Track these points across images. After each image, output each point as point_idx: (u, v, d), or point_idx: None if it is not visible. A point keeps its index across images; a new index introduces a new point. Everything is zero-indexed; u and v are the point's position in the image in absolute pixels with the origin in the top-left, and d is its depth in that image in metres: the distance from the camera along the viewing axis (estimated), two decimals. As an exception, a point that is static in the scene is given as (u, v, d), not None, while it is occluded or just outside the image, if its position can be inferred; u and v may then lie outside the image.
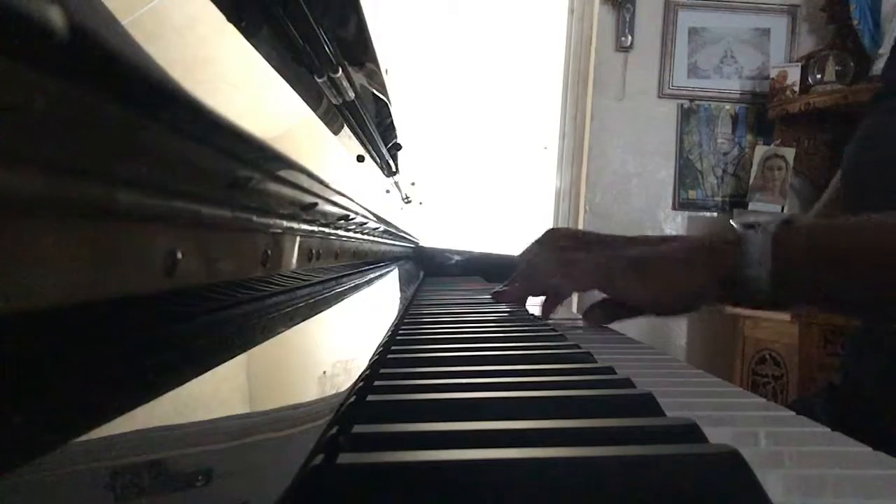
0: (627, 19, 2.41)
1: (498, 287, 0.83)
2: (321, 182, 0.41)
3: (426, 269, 1.55)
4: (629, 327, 0.63)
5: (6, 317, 0.13)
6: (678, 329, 2.43)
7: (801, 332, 1.83)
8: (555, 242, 0.70)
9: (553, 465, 0.21)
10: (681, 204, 2.46)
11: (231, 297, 0.31)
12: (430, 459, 0.21)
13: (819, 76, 2.21)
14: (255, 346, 0.29)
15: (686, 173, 2.46)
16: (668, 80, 2.44)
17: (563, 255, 0.65)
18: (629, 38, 2.42)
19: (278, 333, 0.34)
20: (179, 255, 0.22)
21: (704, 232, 0.68)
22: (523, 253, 0.74)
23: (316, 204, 0.42)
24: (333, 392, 0.31)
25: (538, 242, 0.71)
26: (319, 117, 0.47)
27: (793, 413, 0.33)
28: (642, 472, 0.21)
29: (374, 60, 0.70)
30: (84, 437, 0.14)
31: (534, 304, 0.83)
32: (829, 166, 2.30)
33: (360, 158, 0.69)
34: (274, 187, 0.33)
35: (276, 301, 0.40)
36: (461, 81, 2.97)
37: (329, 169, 0.45)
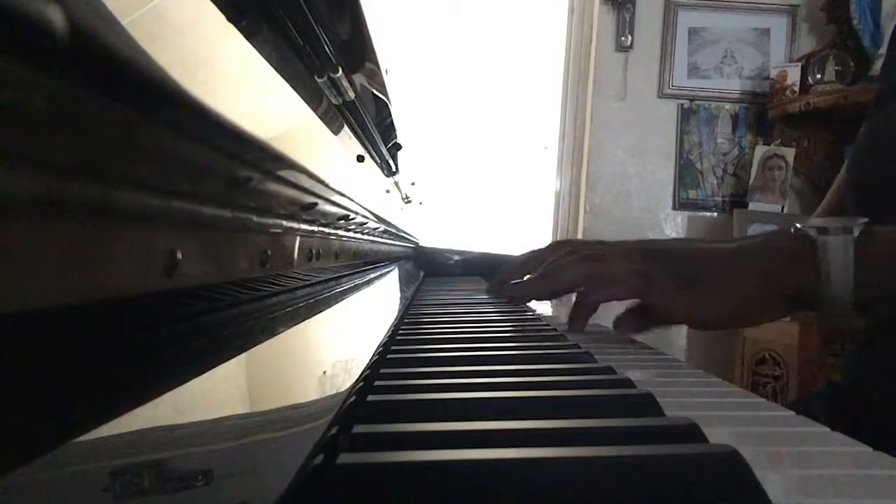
0: (627, 19, 2.41)
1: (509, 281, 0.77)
2: (321, 182, 0.41)
3: (426, 269, 1.55)
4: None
5: (6, 317, 0.13)
6: (678, 329, 2.43)
7: (801, 332, 1.83)
8: (579, 245, 0.60)
9: (553, 465, 0.21)
10: (681, 204, 2.46)
11: (231, 297, 0.31)
12: (430, 459, 0.21)
13: (819, 76, 2.21)
14: (255, 346, 0.29)
15: (686, 173, 2.46)
16: (668, 80, 2.44)
17: (595, 256, 0.56)
18: (629, 38, 2.42)
19: (278, 333, 0.34)
20: (179, 255, 0.22)
21: (744, 235, 0.59)
22: (536, 251, 0.65)
23: (316, 204, 0.42)
24: (333, 392, 0.31)
25: (556, 243, 0.63)
26: (319, 117, 0.47)
27: (793, 413, 0.33)
28: (642, 473, 0.21)
29: (374, 60, 0.70)
30: (84, 437, 0.14)
31: (530, 305, 0.83)
32: (829, 166, 2.30)
33: (360, 158, 0.69)
34: (274, 187, 0.33)
35: (276, 301, 0.40)
36: (461, 81, 2.97)
37: (329, 169, 0.45)
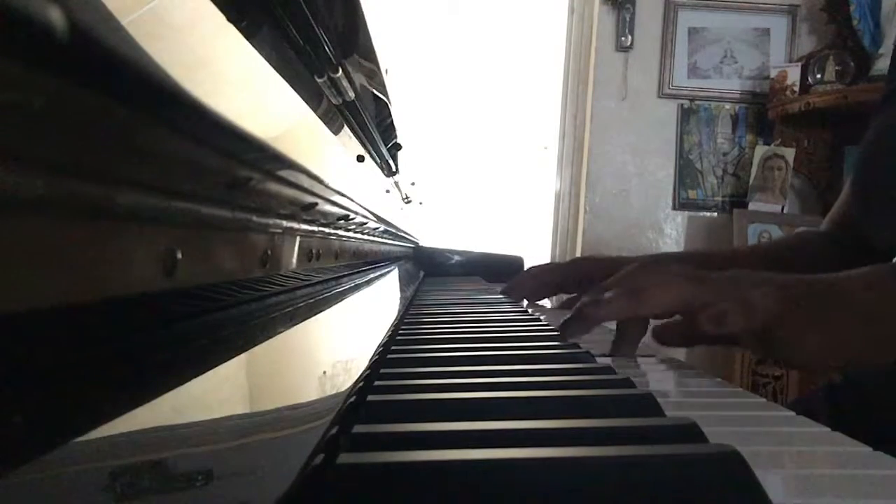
0: (627, 19, 2.41)
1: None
2: (321, 182, 0.41)
3: (426, 269, 1.55)
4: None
5: (6, 317, 0.13)
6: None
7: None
8: (669, 263, 0.48)
9: (553, 465, 0.21)
10: (681, 204, 2.46)
11: (231, 297, 0.31)
12: (430, 459, 0.21)
13: (819, 76, 2.21)
14: (255, 346, 0.29)
15: (686, 173, 2.46)
16: (668, 80, 2.44)
17: (699, 278, 0.46)
18: (629, 38, 2.42)
19: (278, 333, 0.34)
20: (179, 255, 0.22)
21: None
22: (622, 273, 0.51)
23: (316, 204, 0.42)
24: (333, 392, 0.31)
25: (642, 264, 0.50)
26: (319, 117, 0.47)
27: (793, 413, 0.33)
28: (642, 473, 0.21)
29: (374, 60, 0.70)
30: (84, 437, 0.14)
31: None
32: (829, 166, 2.30)
33: (360, 158, 0.69)
34: (274, 187, 0.33)
35: (276, 301, 0.40)
36: (461, 81, 2.97)
37: (329, 169, 0.45)
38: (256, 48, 0.31)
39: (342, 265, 0.66)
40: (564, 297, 0.89)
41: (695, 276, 0.46)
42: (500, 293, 0.94)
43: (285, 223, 0.38)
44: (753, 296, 0.44)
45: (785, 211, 2.28)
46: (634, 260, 0.88)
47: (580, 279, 0.87)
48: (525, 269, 1.04)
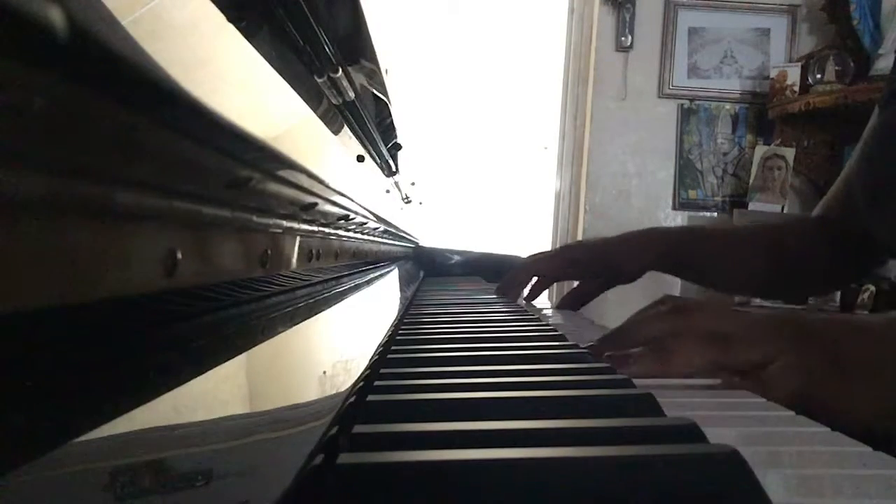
0: (627, 19, 2.41)
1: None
2: (321, 182, 0.41)
3: (426, 269, 1.55)
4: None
5: (6, 317, 0.13)
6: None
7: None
8: (694, 313, 0.44)
9: (553, 465, 0.21)
10: (681, 204, 2.46)
11: (231, 297, 0.31)
12: (430, 459, 0.21)
13: (819, 76, 2.21)
14: (255, 346, 0.29)
15: (686, 173, 2.46)
16: (668, 80, 2.44)
17: (726, 336, 0.42)
18: (629, 38, 2.42)
19: (278, 333, 0.34)
20: (179, 255, 0.22)
21: None
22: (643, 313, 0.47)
23: (316, 204, 0.42)
24: (333, 392, 0.31)
25: (670, 306, 0.45)
26: (319, 117, 0.47)
27: (793, 413, 0.33)
28: (642, 473, 0.21)
29: (374, 60, 0.70)
30: (84, 437, 0.14)
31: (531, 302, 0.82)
32: (828, 166, 2.30)
33: (360, 158, 0.69)
34: (274, 187, 0.33)
35: (276, 301, 0.40)
36: (461, 81, 2.97)
37: (329, 169, 0.45)
38: (256, 48, 0.31)
39: (342, 265, 0.66)
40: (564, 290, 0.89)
41: (723, 338, 0.42)
42: (494, 292, 0.94)
43: (285, 223, 0.38)
44: (788, 364, 0.41)
45: (785, 211, 2.28)
46: (623, 239, 0.86)
47: (577, 268, 0.88)
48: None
